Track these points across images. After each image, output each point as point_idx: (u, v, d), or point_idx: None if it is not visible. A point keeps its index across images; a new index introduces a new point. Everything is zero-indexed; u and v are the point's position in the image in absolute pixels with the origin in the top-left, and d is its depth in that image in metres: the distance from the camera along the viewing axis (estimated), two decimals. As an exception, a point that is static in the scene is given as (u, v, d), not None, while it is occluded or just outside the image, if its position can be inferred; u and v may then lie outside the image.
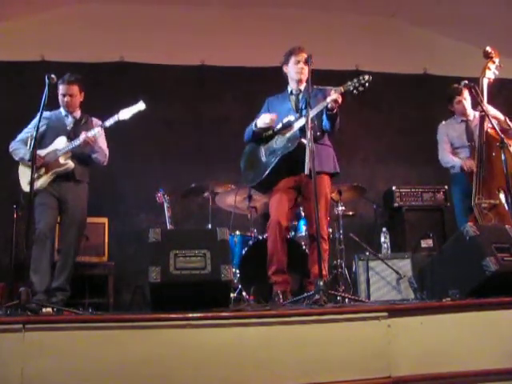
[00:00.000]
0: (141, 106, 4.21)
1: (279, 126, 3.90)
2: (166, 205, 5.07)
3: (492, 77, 4.27)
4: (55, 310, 3.22)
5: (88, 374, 2.23)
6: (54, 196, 4.19)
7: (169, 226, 4.97)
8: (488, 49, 4.33)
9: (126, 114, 4.19)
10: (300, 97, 3.97)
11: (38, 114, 3.39)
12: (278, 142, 3.90)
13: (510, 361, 2.48)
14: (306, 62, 3.70)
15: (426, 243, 5.60)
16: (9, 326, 2.27)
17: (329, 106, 3.65)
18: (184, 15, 6.46)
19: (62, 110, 4.40)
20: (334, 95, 3.61)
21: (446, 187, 5.84)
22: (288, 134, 3.83)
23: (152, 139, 6.15)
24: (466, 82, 4.00)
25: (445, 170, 4.95)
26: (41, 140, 4.18)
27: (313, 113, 3.62)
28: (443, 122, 4.84)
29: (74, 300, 4.48)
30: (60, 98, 4.34)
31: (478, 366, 2.46)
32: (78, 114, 4.45)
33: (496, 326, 2.56)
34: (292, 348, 2.38)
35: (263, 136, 3.97)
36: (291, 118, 3.84)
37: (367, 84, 3.57)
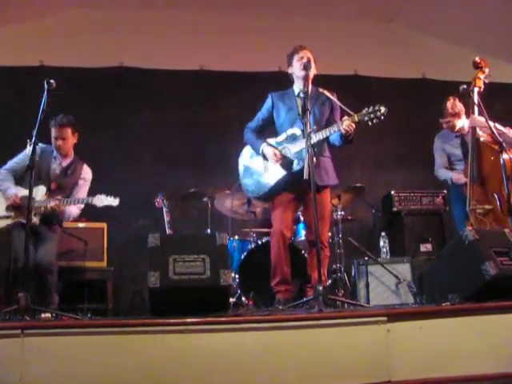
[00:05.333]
0: (115, 202, 4.07)
1: (283, 136, 3.83)
2: (165, 210, 5.07)
3: (482, 86, 4.23)
4: (54, 315, 3.22)
5: (87, 379, 2.23)
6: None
7: (168, 231, 4.96)
8: (477, 59, 4.30)
9: (99, 201, 4.02)
10: (307, 100, 3.76)
11: (34, 132, 3.31)
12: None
13: (509, 365, 2.47)
14: (305, 67, 3.65)
15: (425, 247, 5.60)
16: (7, 331, 2.27)
17: (343, 132, 3.57)
18: (183, 20, 6.48)
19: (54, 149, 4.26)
20: (346, 122, 3.52)
21: (445, 191, 5.83)
22: (293, 151, 3.74)
23: (151, 144, 6.16)
24: (465, 86, 3.98)
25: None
26: (23, 175, 4.12)
27: (320, 136, 3.60)
28: (438, 134, 4.76)
29: (72, 305, 4.47)
30: (52, 140, 4.20)
31: (478, 370, 2.46)
32: (68, 160, 4.31)
33: (495, 330, 2.56)
34: (291, 353, 2.37)
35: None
36: (297, 131, 3.75)
37: (382, 117, 3.46)
